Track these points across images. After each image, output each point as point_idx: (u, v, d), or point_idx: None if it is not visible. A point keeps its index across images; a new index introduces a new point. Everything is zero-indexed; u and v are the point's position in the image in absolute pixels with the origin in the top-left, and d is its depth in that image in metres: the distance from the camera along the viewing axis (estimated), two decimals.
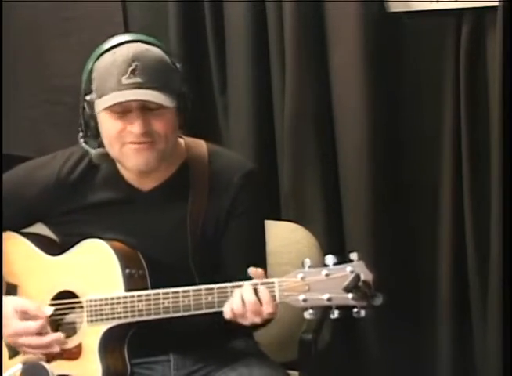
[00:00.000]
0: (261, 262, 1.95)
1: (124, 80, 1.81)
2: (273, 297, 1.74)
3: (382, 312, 2.49)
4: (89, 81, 1.89)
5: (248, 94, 2.66)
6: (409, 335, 2.57)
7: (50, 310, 1.93)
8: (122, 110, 1.84)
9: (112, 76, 1.82)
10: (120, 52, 1.85)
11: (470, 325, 2.56)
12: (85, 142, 1.94)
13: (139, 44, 1.87)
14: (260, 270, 1.78)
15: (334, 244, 2.59)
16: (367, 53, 2.47)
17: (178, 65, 1.93)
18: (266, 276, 1.81)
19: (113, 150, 1.89)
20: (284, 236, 2.41)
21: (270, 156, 2.69)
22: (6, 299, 1.96)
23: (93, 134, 1.92)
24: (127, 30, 2.79)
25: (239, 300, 1.75)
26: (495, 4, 2.32)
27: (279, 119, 2.65)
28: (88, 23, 2.88)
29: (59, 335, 1.91)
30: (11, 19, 2.94)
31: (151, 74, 1.82)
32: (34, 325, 1.91)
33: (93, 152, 1.93)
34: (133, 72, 1.81)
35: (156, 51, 1.88)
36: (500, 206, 2.40)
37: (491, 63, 2.41)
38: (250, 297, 1.74)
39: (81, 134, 1.94)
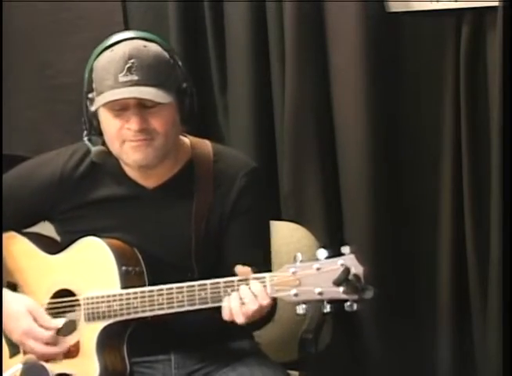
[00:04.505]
0: (264, 259, 1.96)
1: (121, 78, 1.82)
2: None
3: (382, 312, 2.52)
4: (90, 79, 1.91)
5: (248, 94, 2.66)
6: (409, 335, 2.56)
7: (61, 322, 1.93)
8: (120, 108, 1.86)
9: (109, 74, 1.84)
10: (117, 49, 1.86)
11: (470, 325, 2.56)
12: (89, 139, 1.95)
13: (137, 41, 1.88)
14: (247, 268, 1.78)
15: (334, 243, 2.58)
16: (367, 53, 2.47)
17: (179, 61, 1.94)
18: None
19: (113, 147, 1.91)
20: (284, 236, 2.41)
21: (270, 156, 2.69)
22: (16, 297, 1.97)
23: (96, 132, 1.94)
24: (127, 30, 2.79)
25: (237, 301, 1.75)
26: (495, 4, 2.32)
27: (279, 119, 2.65)
28: (88, 23, 2.88)
29: (66, 347, 1.92)
30: (11, 19, 2.94)
31: (147, 72, 1.83)
32: (44, 334, 1.92)
33: (93, 149, 1.95)
34: (129, 70, 1.82)
35: (154, 47, 1.88)
36: (500, 206, 2.40)
37: (491, 63, 2.41)
38: (248, 297, 1.74)
39: (85, 132, 1.96)
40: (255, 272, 1.78)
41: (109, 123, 1.88)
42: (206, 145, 2.02)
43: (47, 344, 1.92)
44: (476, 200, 2.49)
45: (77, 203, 2.00)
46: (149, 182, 1.98)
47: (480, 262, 2.50)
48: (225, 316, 1.77)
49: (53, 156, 2.06)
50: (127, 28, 2.80)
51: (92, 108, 1.90)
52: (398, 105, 2.56)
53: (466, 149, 2.47)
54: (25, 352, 1.97)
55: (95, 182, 2.00)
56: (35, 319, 1.92)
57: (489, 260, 2.47)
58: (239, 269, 1.78)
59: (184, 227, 1.95)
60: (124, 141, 1.88)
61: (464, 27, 2.42)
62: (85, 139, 1.95)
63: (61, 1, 2.88)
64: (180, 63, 1.94)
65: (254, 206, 1.98)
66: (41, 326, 1.92)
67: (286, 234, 2.43)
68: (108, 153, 1.94)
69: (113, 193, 1.99)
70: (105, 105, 1.86)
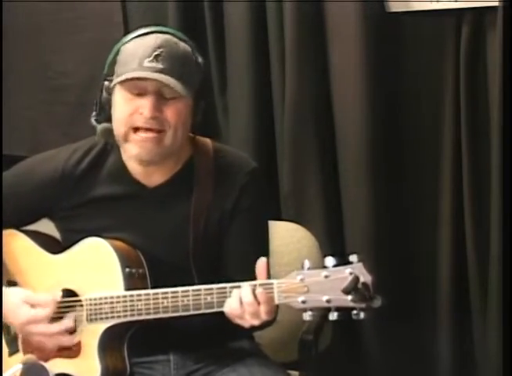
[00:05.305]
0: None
1: (146, 63, 1.82)
2: (272, 298, 1.73)
3: (382, 313, 2.51)
4: (113, 61, 1.89)
5: (248, 94, 2.66)
6: (409, 336, 2.56)
7: (58, 295, 1.93)
8: (138, 92, 1.84)
9: (135, 58, 1.83)
10: (148, 37, 1.86)
11: (470, 325, 2.57)
12: (96, 120, 1.94)
13: (170, 36, 1.89)
14: (264, 269, 1.75)
15: (334, 244, 2.59)
16: (367, 53, 2.48)
17: (203, 68, 1.94)
18: (269, 274, 1.80)
19: (119, 131, 1.88)
20: (284, 237, 2.41)
21: (270, 156, 2.69)
22: (11, 291, 1.97)
23: (106, 117, 1.91)
24: (126, 30, 2.79)
25: (237, 301, 1.74)
26: (495, 4, 2.33)
27: (279, 119, 2.65)
28: (88, 24, 2.89)
29: (70, 323, 1.91)
30: (11, 19, 2.94)
31: (173, 63, 1.83)
32: (44, 312, 1.90)
33: (99, 127, 1.93)
34: (156, 57, 1.82)
35: (184, 46, 1.89)
36: (500, 206, 2.40)
37: (491, 63, 2.41)
38: (247, 297, 1.74)
39: (94, 113, 1.94)
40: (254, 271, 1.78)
41: (122, 105, 1.87)
42: (207, 143, 2.01)
43: (51, 321, 1.90)
44: (476, 200, 2.49)
45: (78, 201, 1.99)
46: (151, 180, 1.97)
47: (480, 262, 2.50)
48: (228, 314, 1.77)
49: (54, 153, 2.04)
50: (126, 28, 2.81)
51: (111, 85, 1.87)
52: (398, 104, 2.57)
53: (466, 149, 2.47)
54: (24, 352, 1.97)
55: (96, 179, 1.99)
56: (32, 305, 1.92)
57: (489, 260, 2.47)
58: (259, 263, 1.75)
59: (183, 226, 1.94)
60: (132, 128, 1.86)
61: (464, 27, 2.42)
62: (92, 119, 1.94)
63: (61, 2, 2.89)
64: (203, 69, 1.94)
65: (255, 204, 1.97)
66: (39, 305, 1.91)
67: (286, 234, 2.43)
68: (112, 133, 1.91)
69: (114, 192, 1.98)
70: (124, 85, 1.84)
